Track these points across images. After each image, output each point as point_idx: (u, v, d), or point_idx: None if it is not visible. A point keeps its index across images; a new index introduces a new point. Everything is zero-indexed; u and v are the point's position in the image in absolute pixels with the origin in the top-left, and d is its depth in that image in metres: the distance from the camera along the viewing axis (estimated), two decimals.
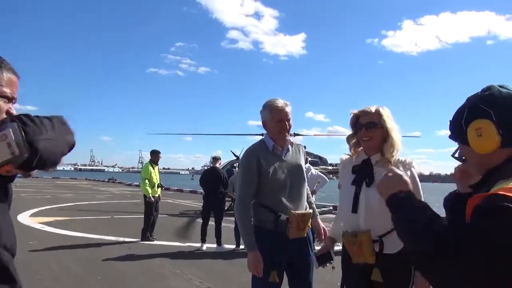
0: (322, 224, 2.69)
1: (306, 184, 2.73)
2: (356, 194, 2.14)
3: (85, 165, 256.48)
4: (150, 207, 8.32)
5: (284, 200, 2.55)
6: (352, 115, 2.26)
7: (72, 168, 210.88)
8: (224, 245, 7.56)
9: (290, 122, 2.64)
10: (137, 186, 33.28)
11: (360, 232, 2.08)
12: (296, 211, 2.52)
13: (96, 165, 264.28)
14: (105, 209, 13.85)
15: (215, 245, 7.55)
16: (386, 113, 2.18)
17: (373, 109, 2.19)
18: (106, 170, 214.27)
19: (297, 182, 2.62)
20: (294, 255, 2.55)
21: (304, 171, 2.73)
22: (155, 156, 8.66)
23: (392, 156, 2.13)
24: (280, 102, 2.62)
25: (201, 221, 7.92)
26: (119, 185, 36.48)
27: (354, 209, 2.12)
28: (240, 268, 6.20)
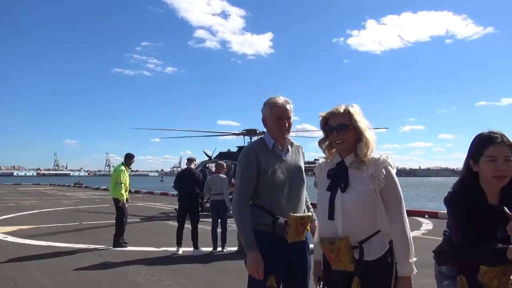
0: None
1: (305, 186, 2.63)
2: (331, 200, 2.02)
3: (49, 170, 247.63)
4: (123, 212, 8.07)
5: (282, 202, 2.44)
6: (320, 118, 2.14)
7: (35, 173, 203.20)
8: (201, 248, 7.36)
9: (291, 120, 2.54)
10: (105, 190, 32.32)
11: (338, 239, 1.97)
12: (295, 214, 2.40)
13: (61, 170, 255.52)
14: (72, 216, 13.30)
15: (191, 249, 7.35)
16: (356, 112, 2.07)
17: (342, 110, 2.07)
18: (71, 174, 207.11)
19: (296, 184, 2.52)
20: (293, 258, 2.44)
21: (304, 173, 2.62)
22: (130, 159, 8.43)
23: (366, 156, 2.02)
24: (281, 99, 2.53)
25: (176, 224, 7.69)
26: (86, 190, 35.26)
27: (331, 216, 2.01)
28: (220, 271, 6.06)
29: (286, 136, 2.56)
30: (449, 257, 2.11)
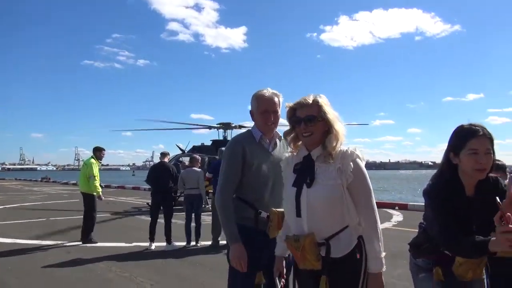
0: None
1: None
2: (297, 196, 1.93)
3: (14, 164, 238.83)
4: (94, 207, 7.86)
5: (266, 196, 2.41)
6: (287, 108, 2.05)
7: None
8: (174, 242, 7.24)
9: (278, 114, 2.50)
10: (75, 185, 31.41)
11: (303, 236, 1.89)
12: (278, 209, 2.33)
13: (27, 164, 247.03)
14: (39, 211, 12.82)
15: (164, 244, 7.21)
16: (325, 103, 1.97)
17: (310, 100, 1.96)
18: (38, 168, 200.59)
19: (281, 179, 2.42)
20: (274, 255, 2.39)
21: None
22: (99, 152, 8.22)
23: (334, 149, 1.92)
24: (268, 92, 2.48)
25: (149, 219, 7.53)
26: (54, 185, 34.16)
27: (298, 213, 1.93)
28: (194, 266, 5.96)
29: (273, 129, 2.52)
30: (425, 250, 2.11)
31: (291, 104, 2.03)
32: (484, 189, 1.96)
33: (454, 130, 2.01)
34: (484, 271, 2.07)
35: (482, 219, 1.92)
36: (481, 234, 1.79)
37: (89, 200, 7.88)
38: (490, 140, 1.90)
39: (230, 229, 2.34)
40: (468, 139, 1.90)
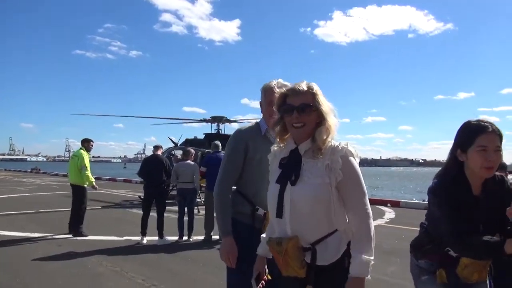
0: None
1: None
2: (280, 194, 1.75)
3: (4, 155, 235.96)
4: (84, 198, 7.80)
5: (265, 192, 2.31)
6: (277, 95, 1.87)
7: None
8: (166, 237, 7.16)
9: None
10: (65, 176, 31.09)
11: (285, 239, 1.71)
12: None
13: (17, 154, 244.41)
14: (28, 203, 12.62)
15: (156, 238, 7.12)
16: (319, 91, 1.78)
17: (304, 87, 1.76)
18: (28, 159, 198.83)
19: None
20: None
21: None
22: (88, 143, 8.15)
23: (325, 143, 1.73)
24: (274, 83, 2.39)
25: (141, 212, 7.43)
26: (44, 176, 33.77)
27: (279, 213, 1.75)
28: (186, 261, 5.89)
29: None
30: (428, 251, 2.04)
31: (281, 90, 1.87)
32: (490, 187, 1.91)
33: (461, 126, 1.93)
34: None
35: (488, 218, 1.87)
36: (486, 234, 1.75)
37: (79, 192, 7.79)
38: (500, 136, 1.83)
39: (224, 222, 2.29)
40: (478, 135, 1.82)
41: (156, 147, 7.88)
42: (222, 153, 7.88)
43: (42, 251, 6.23)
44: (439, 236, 1.92)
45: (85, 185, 7.80)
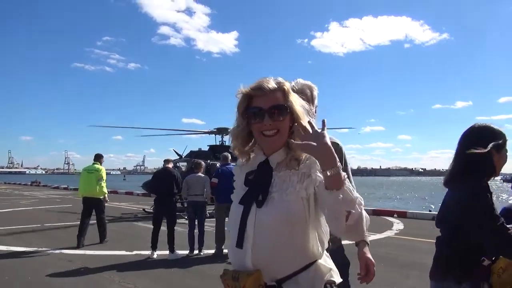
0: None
1: None
2: (243, 218, 1.39)
3: (3, 168, 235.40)
4: (104, 208, 8.43)
5: None
6: (240, 95, 1.45)
7: None
8: (177, 251, 7.03)
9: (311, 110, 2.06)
10: (66, 189, 30.93)
11: (244, 274, 1.34)
12: None
13: (16, 167, 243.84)
14: (33, 217, 12.48)
15: (165, 252, 6.99)
16: (291, 89, 1.46)
17: (274, 84, 1.40)
18: (27, 172, 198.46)
19: None
20: None
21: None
22: (102, 159, 8.76)
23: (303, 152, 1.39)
24: (294, 83, 2.08)
25: (147, 225, 7.31)
26: (44, 189, 33.54)
27: (239, 242, 1.37)
28: (201, 276, 5.77)
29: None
30: (471, 266, 1.83)
31: (245, 89, 1.43)
32: None
33: (491, 128, 1.93)
34: None
35: None
36: None
37: (99, 204, 8.31)
38: None
39: None
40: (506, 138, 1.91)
41: (167, 161, 7.85)
42: (232, 165, 7.79)
43: (52, 267, 6.10)
44: (487, 244, 1.79)
45: (101, 197, 8.28)
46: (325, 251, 1.44)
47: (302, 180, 1.35)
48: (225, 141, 18.71)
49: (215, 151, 16.28)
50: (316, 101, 2.08)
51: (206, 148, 17.95)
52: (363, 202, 1.27)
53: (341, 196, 1.20)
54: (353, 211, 1.22)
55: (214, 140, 18.89)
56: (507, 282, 1.80)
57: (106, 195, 8.44)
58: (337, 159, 1.22)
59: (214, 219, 7.43)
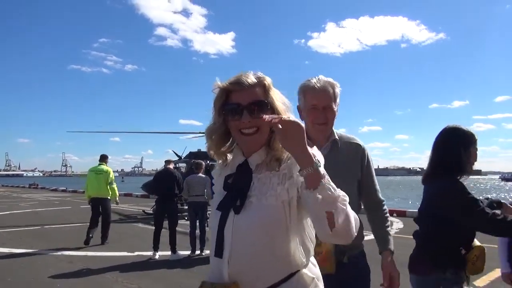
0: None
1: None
2: (220, 226, 1.27)
3: (0, 170, 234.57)
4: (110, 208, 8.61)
5: None
6: (217, 89, 1.33)
7: None
8: (179, 251, 7.04)
9: (333, 109, 1.93)
10: (64, 191, 30.88)
11: (220, 286, 1.24)
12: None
13: (13, 170, 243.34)
14: (32, 219, 12.45)
15: (167, 253, 7.00)
16: (272, 84, 1.34)
17: (253, 78, 1.30)
18: (25, 174, 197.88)
19: None
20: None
21: (355, 191, 2.00)
22: (107, 159, 8.87)
23: (284, 151, 1.27)
24: (318, 81, 1.93)
25: (148, 226, 7.32)
26: (42, 191, 33.44)
27: (218, 251, 1.27)
28: (203, 276, 5.71)
29: (326, 131, 1.95)
30: (455, 257, 2.00)
31: (222, 83, 1.32)
32: None
33: (460, 129, 2.14)
34: None
35: None
36: None
37: (107, 205, 8.41)
38: None
39: None
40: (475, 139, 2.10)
41: (168, 161, 7.90)
42: None
43: (53, 268, 6.10)
44: (476, 228, 2.01)
45: (109, 197, 8.45)
46: (312, 259, 1.33)
47: (283, 181, 1.24)
48: None
49: None
50: (338, 99, 1.99)
51: (205, 149, 17.95)
52: (347, 199, 1.15)
53: (319, 195, 1.10)
54: (334, 210, 1.11)
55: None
56: (479, 268, 2.04)
57: (117, 198, 8.72)
58: (314, 155, 1.14)
59: None
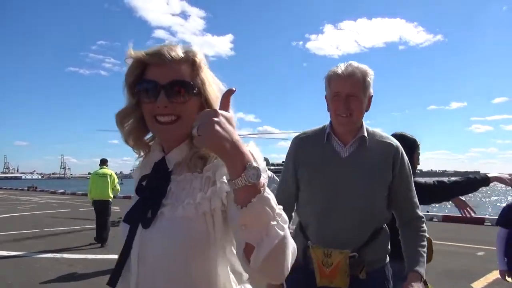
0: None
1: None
2: (127, 244, 0.99)
3: None
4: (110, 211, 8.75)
5: (319, 221, 1.73)
6: (129, 58, 1.02)
7: None
8: None
9: (360, 99, 1.66)
10: (63, 194, 30.85)
11: None
12: (323, 247, 1.66)
13: (12, 172, 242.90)
14: (31, 222, 12.44)
15: None
16: (205, 63, 1.04)
17: (180, 52, 1.00)
18: (23, 177, 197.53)
19: (348, 197, 1.70)
20: None
21: (373, 187, 1.71)
22: (107, 162, 9.12)
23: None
24: (342, 67, 1.70)
25: None
26: (41, 194, 33.39)
27: (113, 279, 1.01)
28: None
29: (351, 123, 1.69)
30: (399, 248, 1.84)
31: (137, 52, 1.01)
32: None
33: (405, 136, 2.56)
34: None
35: None
36: None
37: (107, 206, 8.58)
38: None
39: None
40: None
41: None
42: None
43: (53, 271, 6.10)
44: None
45: (110, 199, 8.71)
46: (247, 286, 1.05)
47: (206, 187, 0.96)
48: None
49: None
50: (370, 91, 1.70)
51: None
52: (286, 225, 0.82)
53: (244, 218, 0.79)
54: (256, 244, 0.79)
55: None
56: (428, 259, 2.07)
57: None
58: (249, 157, 0.79)
59: None
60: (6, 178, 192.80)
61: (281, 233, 0.80)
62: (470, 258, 7.00)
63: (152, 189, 1.02)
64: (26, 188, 41.82)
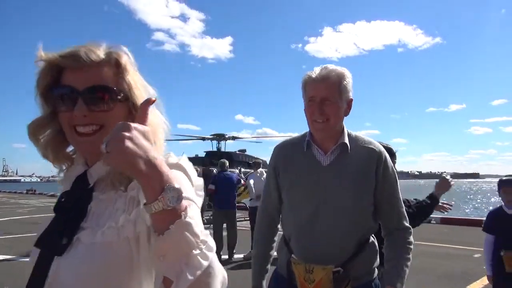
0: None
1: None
2: (35, 273, 0.86)
3: None
4: None
5: (300, 232, 1.68)
6: (41, 61, 0.88)
7: None
8: None
9: (335, 103, 1.58)
10: None
11: None
12: (303, 263, 1.62)
13: (10, 175, 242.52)
14: (30, 225, 12.41)
15: None
16: (131, 63, 0.92)
17: (101, 53, 0.88)
18: (22, 180, 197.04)
19: (330, 208, 1.62)
20: None
21: (353, 194, 1.63)
22: None
23: None
24: (319, 70, 1.61)
25: None
26: (40, 197, 33.29)
27: None
28: None
29: (328, 129, 1.61)
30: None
31: (48, 55, 0.88)
32: None
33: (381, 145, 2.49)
34: None
35: None
36: None
37: None
38: None
39: (253, 271, 1.82)
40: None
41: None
42: (229, 171, 7.84)
43: None
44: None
45: None
46: None
47: (130, 208, 0.84)
48: (220, 148, 18.80)
49: (212, 157, 16.35)
50: (348, 95, 1.62)
51: (202, 155, 18.03)
52: (212, 253, 0.70)
53: (160, 247, 0.68)
54: (174, 279, 0.67)
55: (212, 146, 18.96)
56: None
57: None
58: (169, 177, 0.68)
59: (211, 225, 7.51)
60: (5, 181, 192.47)
61: (205, 263, 0.68)
62: (467, 260, 7.02)
63: (69, 209, 0.88)
64: (25, 191, 41.71)
